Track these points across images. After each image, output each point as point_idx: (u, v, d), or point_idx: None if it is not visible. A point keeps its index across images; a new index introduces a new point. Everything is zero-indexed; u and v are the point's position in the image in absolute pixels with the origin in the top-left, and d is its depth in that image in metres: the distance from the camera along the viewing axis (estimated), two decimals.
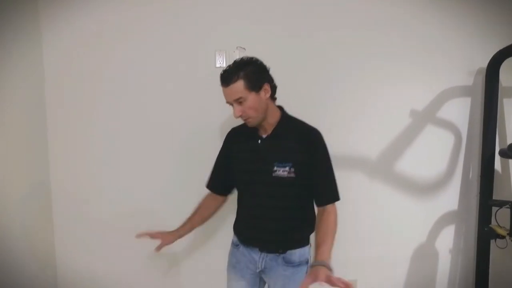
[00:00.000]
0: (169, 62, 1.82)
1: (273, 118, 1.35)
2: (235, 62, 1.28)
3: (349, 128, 1.93)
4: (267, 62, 1.30)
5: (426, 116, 1.96)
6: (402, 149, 1.97)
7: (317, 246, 1.23)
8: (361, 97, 1.91)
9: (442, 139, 2.01)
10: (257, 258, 1.41)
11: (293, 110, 1.84)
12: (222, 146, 1.51)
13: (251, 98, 1.25)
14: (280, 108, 1.40)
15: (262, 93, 1.28)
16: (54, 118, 1.83)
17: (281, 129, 1.34)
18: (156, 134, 1.87)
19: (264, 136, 1.36)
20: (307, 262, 1.38)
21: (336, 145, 1.91)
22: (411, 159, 1.98)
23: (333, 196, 1.33)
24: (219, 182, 1.51)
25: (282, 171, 1.29)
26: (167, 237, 1.48)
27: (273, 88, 1.34)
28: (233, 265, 1.50)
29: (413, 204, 2.02)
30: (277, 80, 1.36)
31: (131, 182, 1.89)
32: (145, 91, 1.83)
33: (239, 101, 1.26)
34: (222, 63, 1.81)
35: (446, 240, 2.08)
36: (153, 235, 1.46)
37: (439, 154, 2.01)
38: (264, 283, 1.51)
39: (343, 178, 1.91)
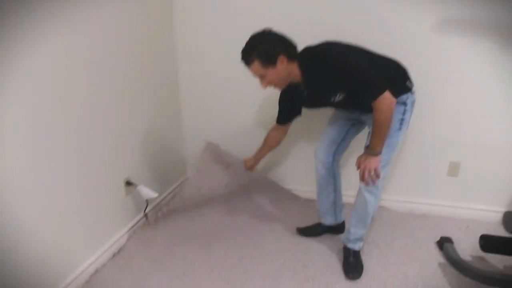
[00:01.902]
0: None
1: (296, 76, 1.50)
2: (249, 39, 1.44)
3: None
4: None
5: None
6: None
7: (370, 138, 1.47)
8: None
9: None
10: None
11: None
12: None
13: (270, 73, 1.43)
14: (298, 61, 1.47)
15: (279, 65, 1.42)
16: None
17: (310, 81, 1.49)
18: None
19: (303, 89, 1.56)
20: (403, 103, 1.49)
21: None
22: None
23: (373, 93, 1.37)
24: (284, 117, 1.76)
25: (337, 98, 1.49)
26: (251, 162, 1.96)
27: (290, 53, 1.45)
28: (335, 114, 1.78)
29: None
30: None
31: None
32: None
33: (261, 76, 1.45)
34: None
35: None
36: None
37: None
38: (356, 130, 1.75)
39: (445, 52, 1.89)
